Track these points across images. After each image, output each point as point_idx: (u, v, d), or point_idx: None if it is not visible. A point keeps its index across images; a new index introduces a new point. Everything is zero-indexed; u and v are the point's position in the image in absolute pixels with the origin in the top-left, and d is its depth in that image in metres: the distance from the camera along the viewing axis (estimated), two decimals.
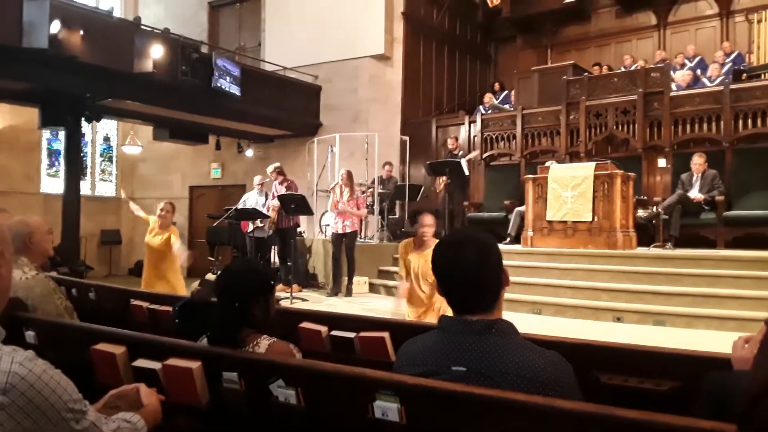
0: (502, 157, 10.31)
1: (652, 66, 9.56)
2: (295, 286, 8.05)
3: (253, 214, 8.25)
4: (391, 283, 8.43)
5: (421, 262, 4.01)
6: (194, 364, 1.80)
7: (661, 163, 8.67)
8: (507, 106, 11.14)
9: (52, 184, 12.44)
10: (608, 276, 6.76)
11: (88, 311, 3.29)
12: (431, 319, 4.09)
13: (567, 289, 6.77)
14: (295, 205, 7.83)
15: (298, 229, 9.29)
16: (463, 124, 10.85)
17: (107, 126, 13.79)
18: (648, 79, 8.74)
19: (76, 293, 3.79)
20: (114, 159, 14.19)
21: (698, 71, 9.99)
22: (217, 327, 2.01)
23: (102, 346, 2.04)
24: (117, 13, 10.92)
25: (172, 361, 1.83)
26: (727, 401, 1.17)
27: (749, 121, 8.02)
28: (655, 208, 7.67)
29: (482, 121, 10.41)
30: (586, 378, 1.82)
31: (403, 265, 4.24)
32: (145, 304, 3.32)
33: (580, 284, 6.71)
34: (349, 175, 8.10)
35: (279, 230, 8.50)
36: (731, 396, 1.10)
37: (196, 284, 8.77)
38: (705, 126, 8.33)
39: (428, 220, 4.05)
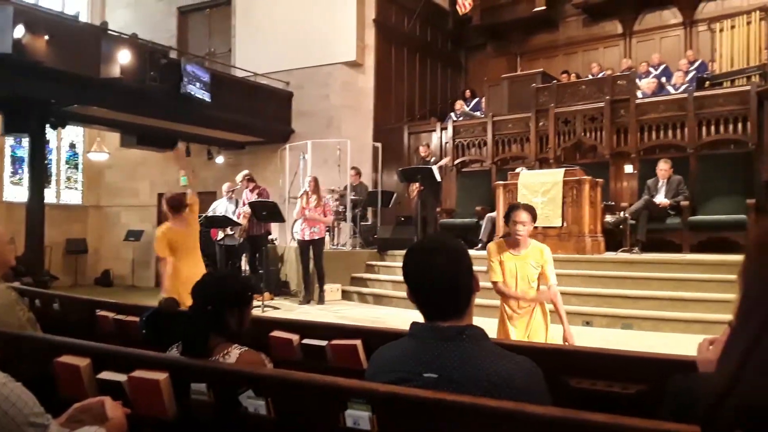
0: (474, 164, 10.40)
1: (618, 74, 9.77)
2: (266, 294, 7.98)
3: (223, 221, 8.16)
4: (364, 290, 8.43)
5: (519, 264, 3.64)
6: (161, 376, 1.76)
7: (628, 169, 8.84)
8: (478, 113, 11.25)
9: (16, 192, 12.11)
10: (578, 280, 6.85)
11: (51, 322, 3.21)
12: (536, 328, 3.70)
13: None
14: (266, 212, 7.78)
15: (270, 237, 9.22)
16: (434, 130, 10.92)
17: (73, 132, 13.50)
18: (615, 87, 8.92)
19: (40, 304, 3.71)
20: (80, 166, 13.88)
21: (663, 79, 10.23)
22: (187, 333, 1.99)
23: (65, 359, 1.99)
24: (83, 18, 10.75)
25: (139, 373, 1.80)
26: (692, 403, 1.19)
27: (712, 127, 8.24)
28: (622, 213, 7.81)
29: (453, 128, 10.49)
30: (556, 382, 1.84)
31: (499, 268, 3.71)
32: (111, 315, 3.26)
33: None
34: (316, 182, 8.09)
35: (250, 238, 8.43)
36: (696, 398, 1.12)
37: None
38: (670, 132, 8.53)
39: (522, 217, 3.59)
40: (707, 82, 9.25)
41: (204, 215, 8.77)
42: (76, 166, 13.86)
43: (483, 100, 11.75)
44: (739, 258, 0.81)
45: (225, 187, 9.15)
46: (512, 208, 3.73)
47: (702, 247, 7.44)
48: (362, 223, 9.79)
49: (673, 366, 1.78)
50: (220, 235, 8.53)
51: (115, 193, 13.57)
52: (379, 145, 10.74)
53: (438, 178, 9.08)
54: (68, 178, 13.69)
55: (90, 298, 3.89)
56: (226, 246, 8.55)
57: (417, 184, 9.18)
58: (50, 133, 10.24)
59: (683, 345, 4.26)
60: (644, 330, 5.88)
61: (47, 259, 10.74)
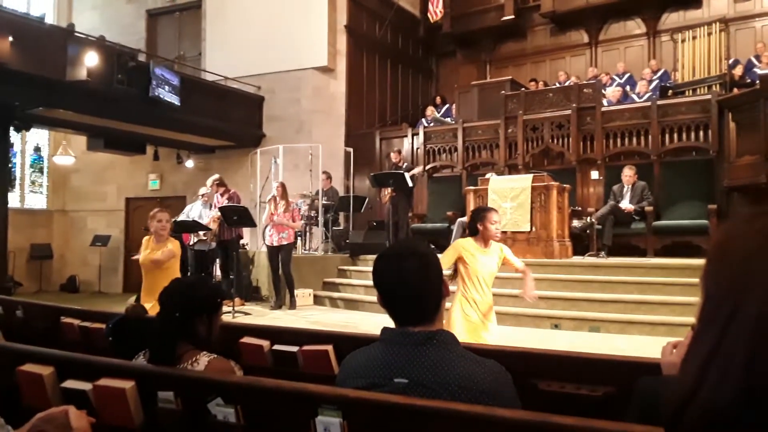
0: (444, 169, 10.48)
1: (584, 82, 9.95)
2: (237, 300, 7.90)
3: (192, 226, 8.05)
4: (335, 294, 8.40)
5: (488, 259, 3.83)
6: (127, 384, 1.73)
7: (594, 175, 9.01)
8: (449, 119, 11.33)
9: None
10: (546, 284, 6.93)
11: (15, 330, 3.13)
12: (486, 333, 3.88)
13: (507, 297, 6.88)
14: (237, 216, 7.70)
15: (241, 242, 9.13)
16: (406, 136, 10.97)
17: (38, 135, 13.19)
18: (581, 95, 9.08)
19: (2, 311, 3.61)
20: (45, 170, 13.56)
21: (627, 87, 10.46)
22: (155, 340, 1.96)
23: (29, 367, 1.95)
24: (49, 20, 10.51)
25: (104, 381, 1.76)
26: (656, 406, 1.22)
27: (675, 135, 8.45)
28: (588, 219, 7.95)
29: (425, 133, 10.56)
30: (525, 385, 1.86)
31: (464, 264, 3.77)
32: (76, 322, 3.19)
33: (519, 293, 6.83)
34: (284, 187, 8.06)
35: (221, 242, 8.33)
36: (661, 401, 1.14)
37: (131, 300, 8.46)
38: (634, 140, 8.72)
39: (496, 217, 3.81)
40: (670, 91, 9.49)
41: (174, 219, 8.64)
42: (41, 170, 13.53)
43: (453, 106, 11.86)
44: (701, 262, 0.84)
45: (202, 190, 9.01)
46: (484, 210, 3.92)
47: (666, 251, 7.62)
48: (334, 228, 9.76)
49: (639, 368, 1.82)
50: (193, 239, 8.40)
51: (81, 198, 13.28)
52: (350, 150, 10.75)
53: (410, 183, 9.12)
54: (33, 182, 13.36)
55: (55, 304, 3.81)
56: (198, 251, 8.43)
57: (389, 189, 9.20)
58: (14, 136, 9.97)
59: (649, 347, 4.35)
60: (611, 333, 5.98)
61: (11, 265, 10.46)
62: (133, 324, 2.67)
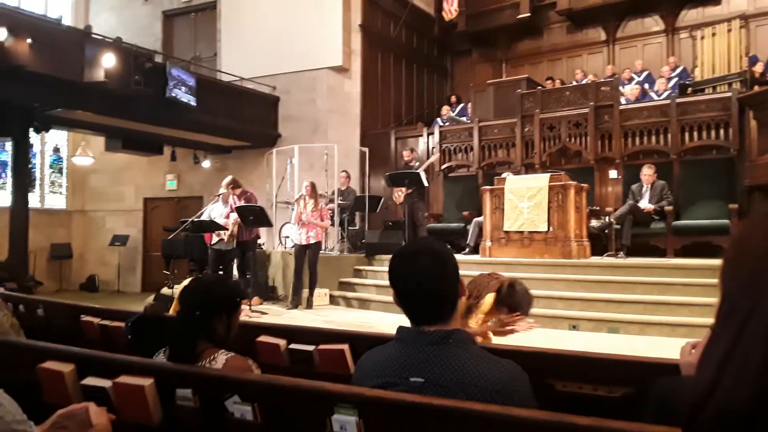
0: (460, 169, 10.45)
1: (602, 80, 9.86)
2: (255, 299, 7.94)
3: (209, 226, 8.09)
4: (351, 294, 8.42)
5: None
6: (146, 382, 1.75)
7: (613, 174, 8.92)
8: (464, 119, 11.31)
9: None
10: (563, 285, 6.89)
11: (36, 328, 3.18)
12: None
13: None
14: (253, 216, 7.74)
15: (258, 241, 9.17)
16: (421, 135, 10.96)
17: (57, 136, 13.38)
18: (598, 93, 9.00)
19: (24, 309, 3.67)
20: (64, 170, 13.76)
21: (646, 85, 10.35)
22: (175, 338, 1.98)
23: (49, 364, 1.97)
24: (67, 22, 10.65)
25: (123, 379, 1.78)
26: (674, 406, 1.20)
27: (695, 133, 8.34)
28: (607, 218, 7.88)
29: (440, 133, 10.54)
30: (542, 385, 1.85)
31: None
32: (96, 320, 3.22)
33: (537, 293, 6.68)
34: (313, 186, 8.07)
35: (239, 243, 8.37)
36: (679, 401, 1.13)
37: (150, 299, 8.55)
38: (653, 138, 8.63)
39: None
40: (689, 89, 9.37)
41: (192, 219, 8.70)
42: (60, 171, 13.73)
43: (469, 105, 11.82)
44: (721, 262, 0.83)
45: (222, 191, 9.03)
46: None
47: (686, 252, 7.53)
48: (350, 228, 9.77)
49: (657, 369, 1.80)
50: (215, 239, 8.42)
51: (100, 198, 13.45)
52: (366, 150, 10.75)
53: (425, 183, 9.10)
54: (52, 183, 13.56)
55: (75, 303, 3.86)
56: (218, 250, 8.47)
57: (402, 189, 9.19)
58: (34, 137, 10.13)
59: (669, 349, 4.29)
60: (630, 334, 5.92)
61: (31, 264, 10.63)
62: (152, 322, 2.70)
